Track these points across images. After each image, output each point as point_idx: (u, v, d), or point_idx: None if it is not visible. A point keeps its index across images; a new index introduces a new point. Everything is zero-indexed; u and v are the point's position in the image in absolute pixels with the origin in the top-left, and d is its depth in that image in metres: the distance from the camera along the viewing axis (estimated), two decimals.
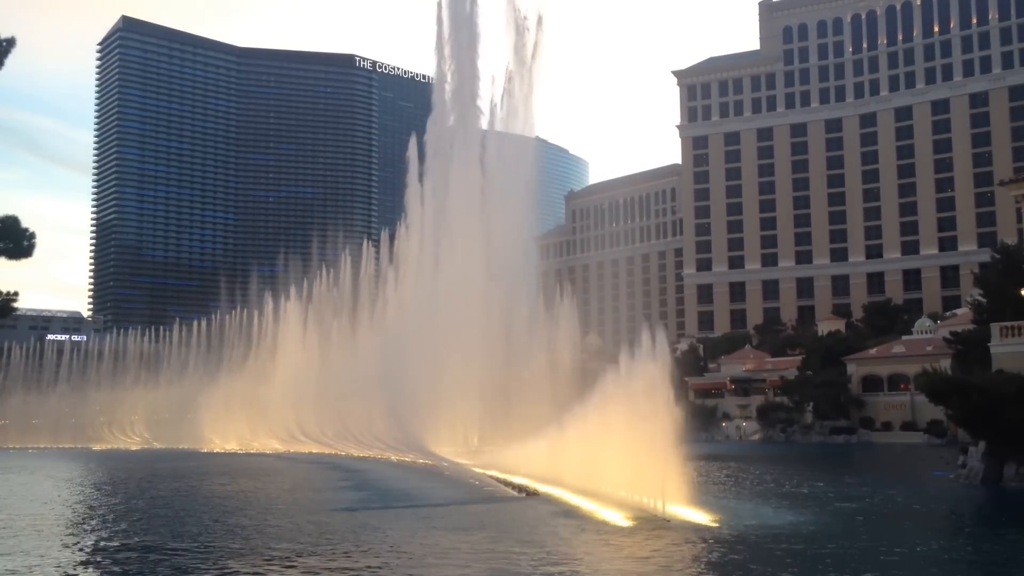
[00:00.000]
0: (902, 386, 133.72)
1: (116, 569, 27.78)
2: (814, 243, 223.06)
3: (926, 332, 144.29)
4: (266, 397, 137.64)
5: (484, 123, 78.34)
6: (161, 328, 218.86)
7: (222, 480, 65.91)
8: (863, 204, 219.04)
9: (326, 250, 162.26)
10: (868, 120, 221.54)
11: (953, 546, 33.05)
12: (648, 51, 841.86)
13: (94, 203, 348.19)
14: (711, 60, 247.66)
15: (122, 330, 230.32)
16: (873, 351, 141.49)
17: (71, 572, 27.06)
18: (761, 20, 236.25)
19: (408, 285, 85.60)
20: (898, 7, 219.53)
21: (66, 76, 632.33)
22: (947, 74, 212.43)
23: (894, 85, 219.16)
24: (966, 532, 37.72)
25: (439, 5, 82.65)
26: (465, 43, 77.91)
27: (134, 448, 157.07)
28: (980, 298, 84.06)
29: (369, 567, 26.90)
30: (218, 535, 34.46)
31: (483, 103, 78.77)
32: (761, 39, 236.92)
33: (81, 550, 31.73)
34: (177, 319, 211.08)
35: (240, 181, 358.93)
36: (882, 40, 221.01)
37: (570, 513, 39.56)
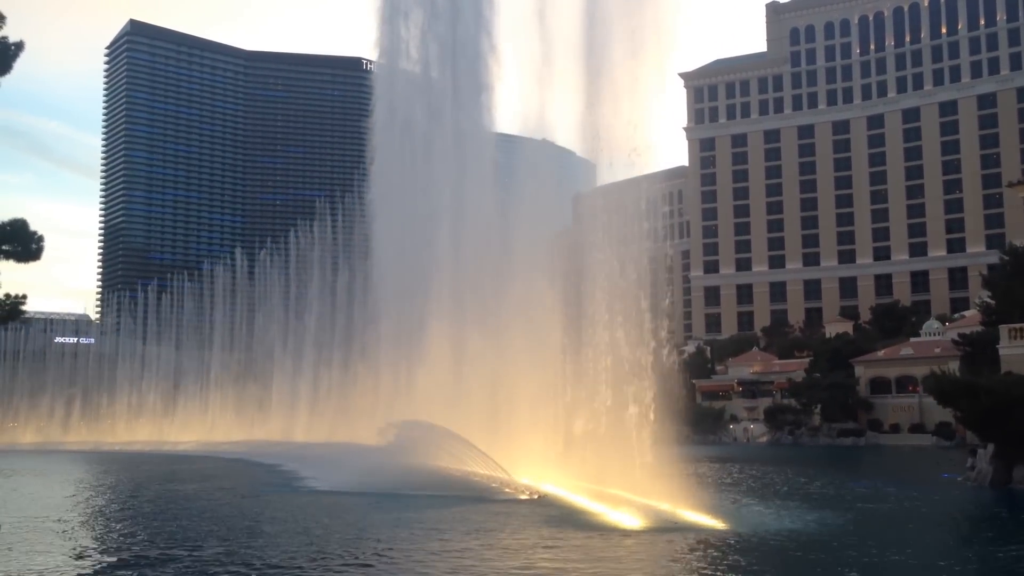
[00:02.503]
0: (910, 388, 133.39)
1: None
2: (822, 245, 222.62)
3: (934, 334, 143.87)
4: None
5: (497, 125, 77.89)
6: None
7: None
8: (871, 206, 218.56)
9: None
10: (876, 122, 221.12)
11: (970, 549, 32.91)
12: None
13: (102, 206, 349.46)
14: (718, 62, 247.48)
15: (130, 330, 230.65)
16: (881, 353, 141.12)
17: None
18: (768, 22, 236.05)
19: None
20: (906, 8, 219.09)
21: (74, 80, 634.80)
22: (955, 75, 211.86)
23: (902, 87, 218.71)
24: (982, 535, 37.54)
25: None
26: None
27: (142, 448, 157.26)
28: (988, 300, 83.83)
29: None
30: (207, 537, 34.50)
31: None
32: (768, 41, 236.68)
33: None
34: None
35: (248, 184, 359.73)
36: (889, 42, 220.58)
37: (578, 516, 39.48)
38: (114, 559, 29.93)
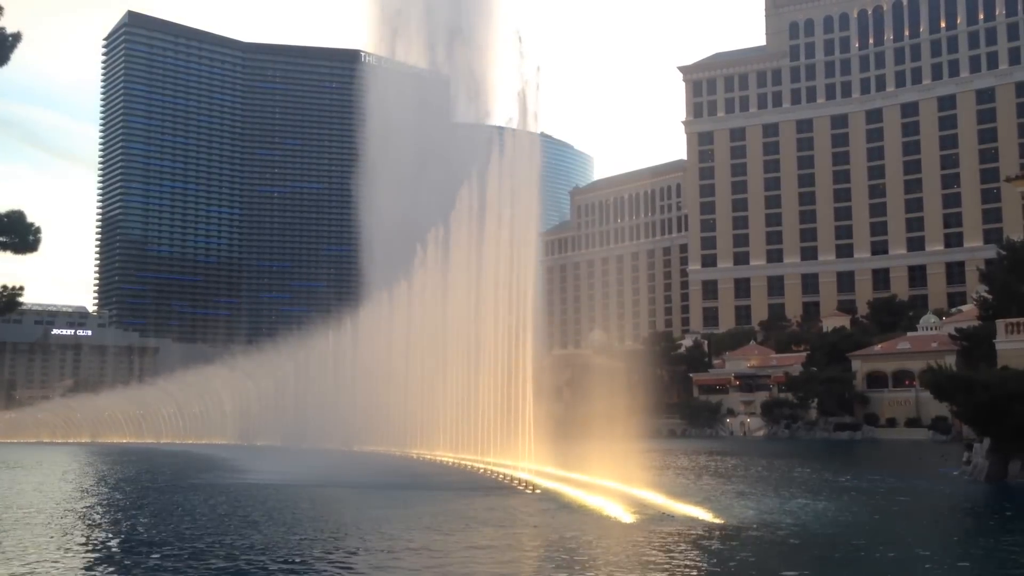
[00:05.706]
0: (907, 382, 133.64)
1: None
2: (819, 239, 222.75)
3: (931, 328, 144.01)
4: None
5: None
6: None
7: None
8: (869, 200, 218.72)
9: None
10: (874, 116, 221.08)
11: (970, 542, 32.98)
12: (654, 46, 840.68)
13: (99, 198, 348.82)
14: (717, 55, 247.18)
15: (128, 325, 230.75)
16: (878, 347, 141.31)
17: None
18: (768, 15, 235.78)
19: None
20: (905, 3, 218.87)
21: (71, 71, 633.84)
22: (954, 70, 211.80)
23: (900, 81, 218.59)
24: (981, 529, 37.60)
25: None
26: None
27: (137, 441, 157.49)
28: (985, 294, 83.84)
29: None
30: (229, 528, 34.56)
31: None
32: (767, 34, 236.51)
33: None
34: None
35: (246, 177, 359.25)
36: (888, 36, 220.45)
37: (572, 507, 39.57)
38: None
